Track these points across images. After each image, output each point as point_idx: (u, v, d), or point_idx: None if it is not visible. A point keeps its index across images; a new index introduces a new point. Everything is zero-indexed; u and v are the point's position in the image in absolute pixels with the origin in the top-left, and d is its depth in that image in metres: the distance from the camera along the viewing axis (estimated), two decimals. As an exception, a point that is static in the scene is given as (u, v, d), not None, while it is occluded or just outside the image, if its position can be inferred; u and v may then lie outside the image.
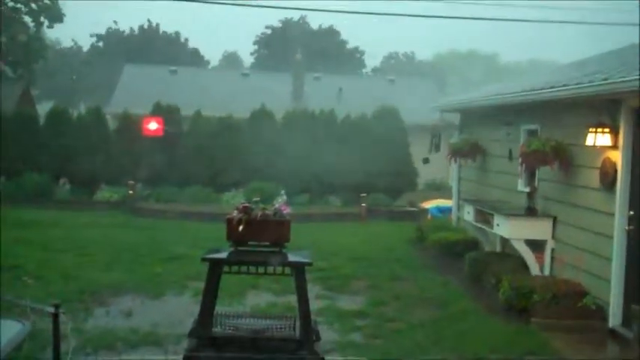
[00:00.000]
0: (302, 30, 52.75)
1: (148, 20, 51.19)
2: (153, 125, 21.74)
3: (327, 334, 7.84)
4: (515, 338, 8.19)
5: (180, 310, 8.89)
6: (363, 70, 54.00)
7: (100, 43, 51.53)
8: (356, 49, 54.90)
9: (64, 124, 22.14)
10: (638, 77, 7.43)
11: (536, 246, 10.23)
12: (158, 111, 22.37)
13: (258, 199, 6.06)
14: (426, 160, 19.01)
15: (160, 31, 51.72)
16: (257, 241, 5.83)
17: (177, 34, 51.97)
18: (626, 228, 8.38)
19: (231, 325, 5.78)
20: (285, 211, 5.90)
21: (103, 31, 51.56)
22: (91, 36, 51.70)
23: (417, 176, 23.08)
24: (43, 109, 25.29)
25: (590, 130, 8.71)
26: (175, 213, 19.22)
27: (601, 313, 8.59)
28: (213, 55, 55.74)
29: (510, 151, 12.05)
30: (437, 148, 20.20)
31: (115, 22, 51.36)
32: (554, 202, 10.26)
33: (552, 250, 10.17)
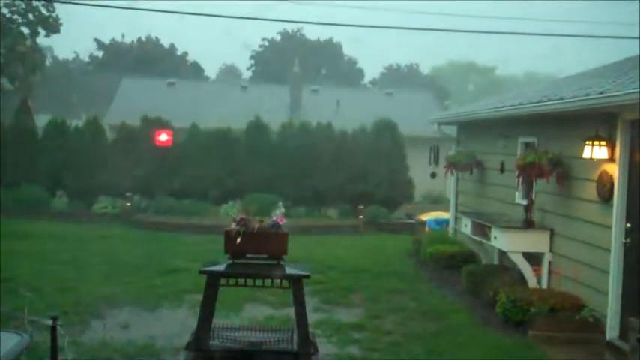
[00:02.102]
0: (300, 43, 52.94)
1: (138, 35, 51.35)
2: (163, 137, 21.84)
3: (325, 347, 7.84)
4: (513, 351, 8.19)
5: (177, 322, 8.87)
6: (362, 83, 54.18)
7: (99, 56, 51.65)
8: (354, 61, 55.13)
9: (61, 136, 22.15)
10: (633, 91, 7.47)
11: (533, 258, 10.24)
12: (146, 124, 22.33)
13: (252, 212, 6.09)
14: (433, 175, 19.20)
15: (159, 44, 51.85)
16: (255, 253, 5.84)
17: (175, 46, 52.11)
18: (623, 241, 8.39)
19: (229, 337, 5.78)
20: (282, 224, 5.91)
21: (101, 44, 51.69)
22: (94, 42, 51.82)
23: (414, 189, 23.11)
24: (42, 120, 25.25)
25: (587, 143, 8.74)
26: (173, 225, 19.19)
27: (598, 325, 8.59)
28: (211, 67, 55.93)
29: (502, 164, 12.09)
30: (435, 161, 20.28)
31: (114, 37, 51.60)
32: (552, 214, 10.28)
33: (549, 262, 10.17)
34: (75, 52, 54.22)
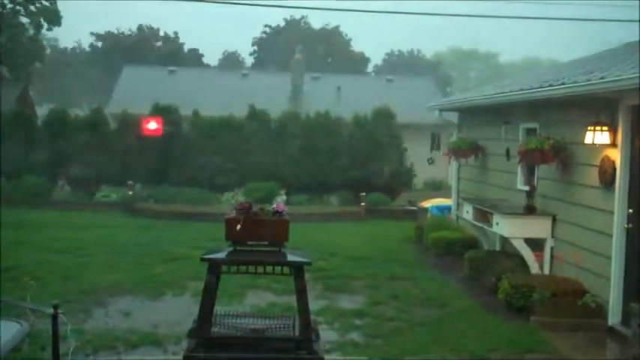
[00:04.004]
0: (302, 30, 52.80)
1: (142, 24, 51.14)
2: (152, 125, 21.74)
3: (327, 334, 7.85)
4: (515, 337, 8.20)
5: (179, 310, 8.89)
6: (365, 69, 54.07)
7: (100, 44, 51.54)
8: (357, 48, 54.98)
9: (63, 125, 22.14)
10: (634, 75, 7.44)
11: (535, 244, 10.23)
12: (156, 111, 22.35)
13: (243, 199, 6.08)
14: (430, 161, 19.26)
15: (159, 32, 51.72)
16: (256, 240, 5.83)
17: (176, 34, 51.95)
18: (625, 226, 8.38)
19: (231, 325, 5.78)
20: (283, 211, 5.90)
21: (101, 35, 51.58)
22: (92, 35, 51.76)
23: (414, 175, 23.10)
24: (45, 110, 25.25)
25: (589, 128, 8.72)
26: (174, 213, 19.21)
27: (600, 311, 8.59)
28: (213, 55, 55.78)
29: (508, 150, 12.06)
30: (437, 147, 20.32)
31: (116, 26, 51.56)
32: (554, 200, 10.26)
33: (552, 248, 10.16)
34: (76, 42, 54.17)
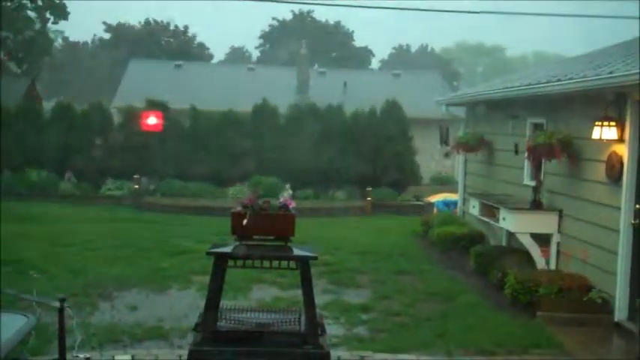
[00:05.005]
0: (308, 24, 52.73)
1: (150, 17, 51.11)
2: (152, 120, 21.71)
3: (333, 328, 7.85)
4: (521, 332, 8.18)
5: (185, 304, 8.90)
6: (371, 64, 54.00)
7: (107, 39, 51.50)
8: (363, 42, 54.87)
9: (68, 119, 22.16)
10: (643, 70, 7.41)
11: (541, 240, 10.20)
12: (151, 107, 22.26)
13: (261, 193, 6.06)
14: (447, 155, 19.28)
15: (166, 26, 51.66)
16: (262, 235, 5.82)
17: (186, 28, 51.84)
18: (632, 222, 8.35)
19: (237, 319, 5.77)
20: (290, 205, 5.89)
21: (110, 27, 51.53)
22: (103, 25, 51.74)
23: (419, 170, 23.07)
24: (51, 105, 25.25)
25: (597, 123, 8.68)
26: (180, 207, 19.24)
27: (607, 306, 8.57)
28: (220, 49, 55.75)
29: (516, 145, 12.02)
30: (445, 142, 20.33)
31: (123, 19, 51.52)
32: (560, 195, 10.23)
33: (558, 243, 10.14)
34: (83, 36, 54.13)
